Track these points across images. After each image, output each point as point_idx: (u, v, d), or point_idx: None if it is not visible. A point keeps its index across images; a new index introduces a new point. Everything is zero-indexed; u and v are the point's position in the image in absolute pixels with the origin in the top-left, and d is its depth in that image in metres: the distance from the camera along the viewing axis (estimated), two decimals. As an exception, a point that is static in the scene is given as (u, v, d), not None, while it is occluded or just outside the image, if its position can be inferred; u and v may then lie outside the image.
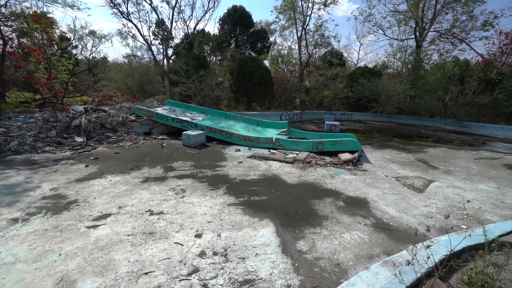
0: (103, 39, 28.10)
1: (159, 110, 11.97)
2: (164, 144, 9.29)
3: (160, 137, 10.47)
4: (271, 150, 8.78)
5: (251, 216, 4.29)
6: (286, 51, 27.87)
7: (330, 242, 3.59)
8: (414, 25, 20.65)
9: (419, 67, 19.58)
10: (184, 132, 9.32)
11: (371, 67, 22.60)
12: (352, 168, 7.16)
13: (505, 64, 19.93)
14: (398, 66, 21.67)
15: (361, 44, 50.53)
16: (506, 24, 21.33)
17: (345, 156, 7.80)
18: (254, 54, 34.67)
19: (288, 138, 9.97)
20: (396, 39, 22.35)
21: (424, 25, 20.54)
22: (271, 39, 36.63)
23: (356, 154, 7.72)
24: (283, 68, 29.20)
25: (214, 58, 37.06)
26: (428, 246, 2.62)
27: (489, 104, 16.88)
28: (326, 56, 32.07)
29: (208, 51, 34.92)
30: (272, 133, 10.98)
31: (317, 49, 24.13)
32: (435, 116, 18.42)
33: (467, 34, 20.39)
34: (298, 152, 8.39)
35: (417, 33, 20.51)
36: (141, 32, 23.43)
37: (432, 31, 21.09)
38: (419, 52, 20.05)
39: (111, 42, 46.30)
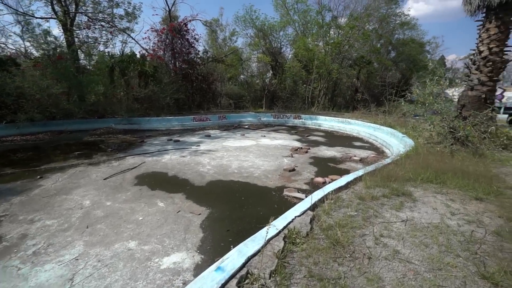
0: None
1: None
2: None
3: None
4: None
5: None
6: None
7: None
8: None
9: (73, 57, 15.37)
10: None
11: None
12: None
13: (161, 59, 21.42)
14: (42, 54, 15.95)
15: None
16: (157, 21, 23.41)
17: None
18: None
19: None
20: (25, 14, 16.08)
21: (66, 2, 16.20)
22: None
23: None
24: None
25: None
26: None
27: (153, 96, 16.96)
28: None
29: None
30: None
31: None
32: (106, 115, 15.66)
33: (117, 23, 19.11)
34: None
35: (57, 12, 15.87)
36: None
37: (82, 13, 17.42)
38: (68, 37, 15.74)
39: None
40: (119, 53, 18.92)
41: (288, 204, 5.14)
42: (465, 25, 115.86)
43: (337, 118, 16.26)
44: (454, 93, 11.90)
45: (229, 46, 34.33)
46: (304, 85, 26.79)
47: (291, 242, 2.86)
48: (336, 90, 30.66)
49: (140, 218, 4.52)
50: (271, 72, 30.23)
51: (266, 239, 2.72)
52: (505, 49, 8.25)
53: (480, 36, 8.60)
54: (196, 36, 23.71)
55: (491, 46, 8.24)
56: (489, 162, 6.45)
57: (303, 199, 5.21)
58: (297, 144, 10.83)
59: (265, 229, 2.71)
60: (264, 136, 12.87)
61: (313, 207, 3.69)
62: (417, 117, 11.68)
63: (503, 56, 8.32)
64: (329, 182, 6.19)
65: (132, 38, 22.92)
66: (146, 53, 21.76)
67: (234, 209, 4.99)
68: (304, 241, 2.89)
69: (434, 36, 49.40)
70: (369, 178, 4.83)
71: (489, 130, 7.82)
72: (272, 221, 3.07)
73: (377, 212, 3.64)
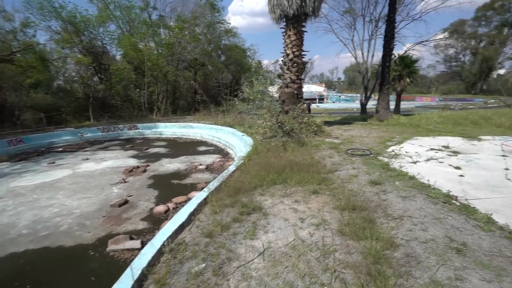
0: None
1: None
2: None
3: None
4: None
5: None
6: None
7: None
8: None
9: None
10: None
11: None
12: None
13: None
14: None
15: None
16: None
17: None
18: None
19: None
20: None
21: None
22: None
23: None
24: None
25: None
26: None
27: None
28: None
29: None
30: None
31: None
32: None
33: None
34: None
35: None
36: None
37: None
38: None
39: None
40: None
41: (116, 266, 3.47)
42: (270, 37, 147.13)
43: (179, 123, 15.16)
44: (272, 91, 13.80)
45: (22, 41, 24.91)
46: (138, 89, 23.74)
47: None
48: (176, 93, 29.57)
49: None
50: (98, 76, 24.72)
51: None
52: (303, 53, 10.05)
53: (285, 41, 10.04)
54: None
55: (293, 50, 9.79)
56: (310, 148, 7.46)
57: (137, 249, 3.74)
58: (133, 163, 8.79)
59: None
60: (87, 159, 9.71)
61: (140, 281, 2.32)
62: (251, 113, 12.62)
63: (302, 59, 10.11)
64: (173, 209, 5.00)
65: None
66: None
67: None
68: None
69: (251, 44, 58.75)
70: (216, 198, 4.01)
71: (304, 120, 9.29)
72: None
73: (230, 251, 2.80)
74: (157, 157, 9.71)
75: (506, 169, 5.44)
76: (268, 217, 3.54)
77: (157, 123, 15.89)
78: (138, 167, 8.04)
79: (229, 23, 31.30)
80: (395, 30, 14.73)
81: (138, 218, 4.81)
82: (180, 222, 3.30)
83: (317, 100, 55.17)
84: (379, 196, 4.13)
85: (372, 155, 6.63)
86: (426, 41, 18.74)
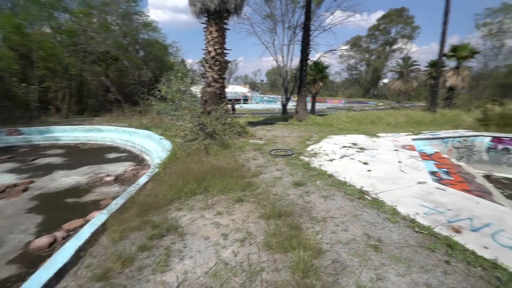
0: None
1: None
2: None
3: None
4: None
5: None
6: None
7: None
8: None
9: None
10: None
11: None
12: None
13: None
14: None
15: None
16: None
17: None
18: None
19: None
20: None
21: None
22: None
23: None
24: None
25: None
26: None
27: None
28: None
29: None
30: None
31: None
32: None
33: None
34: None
35: None
36: None
37: None
38: None
39: None
40: None
41: None
42: (195, 35, 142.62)
43: (83, 126, 12.72)
44: (196, 90, 13.03)
45: None
46: (25, 84, 19.01)
47: None
48: (84, 91, 25.10)
49: None
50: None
51: None
52: (225, 51, 9.69)
53: (206, 38, 9.48)
54: None
55: (215, 47, 9.33)
56: (233, 151, 7.14)
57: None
58: (9, 179, 6.69)
59: None
60: None
61: None
62: (170, 114, 11.54)
63: (225, 57, 9.75)
64: (63, 239, 3.87)
65: None
66: None
67: None
68: None
69: (174, 41, 55.10)
70: (118, 221, 3.20)
71: (228, 121, 8.95)
72: None
73: (132, 294, 2.15)
74: (48, 169, 7.70)
75: (399, 161, 6.31)
76: (185, 238, 2.98)
77: (53, 126, 12.93)
78: (15, 185, 6.14)
79: (148, 15, 28.33)
80: (310, 38, 16.01)
81: (3, 261, 3.49)
82: (61, 265, 2.41)
83: (242, 101, 56.20)
84: (303, 198, 4.09)
85: (294, 155, 6.78)
86: (334, 50, 21.10)
